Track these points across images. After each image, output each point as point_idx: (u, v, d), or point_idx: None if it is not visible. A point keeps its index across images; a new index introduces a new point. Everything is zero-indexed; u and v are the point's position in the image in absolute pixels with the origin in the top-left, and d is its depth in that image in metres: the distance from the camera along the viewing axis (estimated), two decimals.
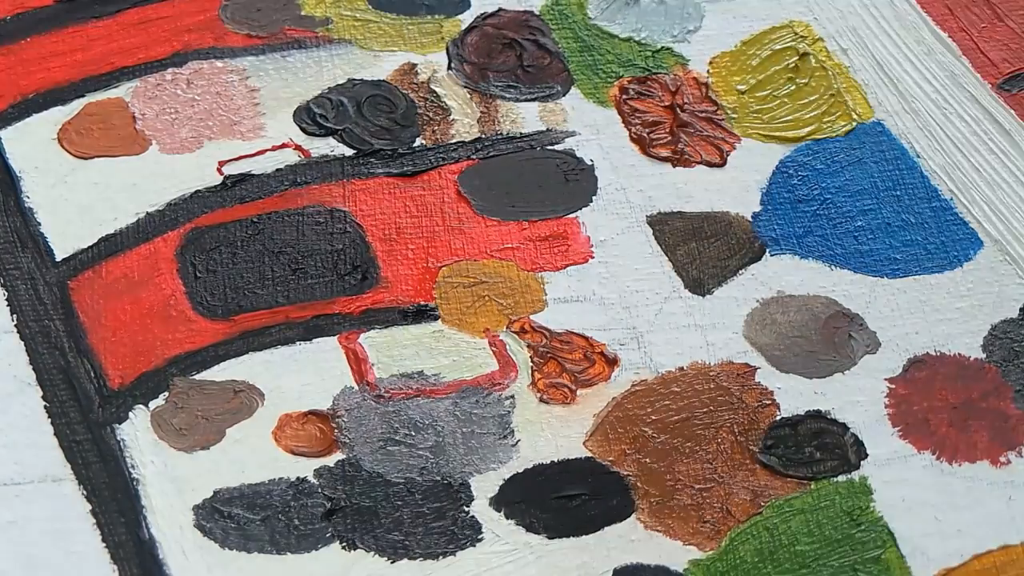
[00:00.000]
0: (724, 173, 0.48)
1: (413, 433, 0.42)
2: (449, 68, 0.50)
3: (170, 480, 0.40)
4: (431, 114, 0.49)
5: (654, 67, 0.51)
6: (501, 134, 0.49)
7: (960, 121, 0.49)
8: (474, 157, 0.48)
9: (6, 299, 0.44)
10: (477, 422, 0.42)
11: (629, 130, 0.49)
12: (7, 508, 0.40)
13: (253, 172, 0.47)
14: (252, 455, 0.41)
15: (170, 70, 0.49)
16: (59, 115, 0.48)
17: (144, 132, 0.48)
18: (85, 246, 0.45)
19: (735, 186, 0.48)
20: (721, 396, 0.43)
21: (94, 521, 0.40)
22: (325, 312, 0.44)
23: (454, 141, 0.48)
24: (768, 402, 0.43)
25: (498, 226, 0.47)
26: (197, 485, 0.40)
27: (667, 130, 0.49)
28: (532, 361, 0.43)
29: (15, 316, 0.43)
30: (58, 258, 0.45)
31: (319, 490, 0.41)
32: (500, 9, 0.52)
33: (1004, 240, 0.47)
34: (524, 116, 0.49)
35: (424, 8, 0.52)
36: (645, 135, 0.49)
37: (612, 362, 0.44)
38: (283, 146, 0.48)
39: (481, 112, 0.49)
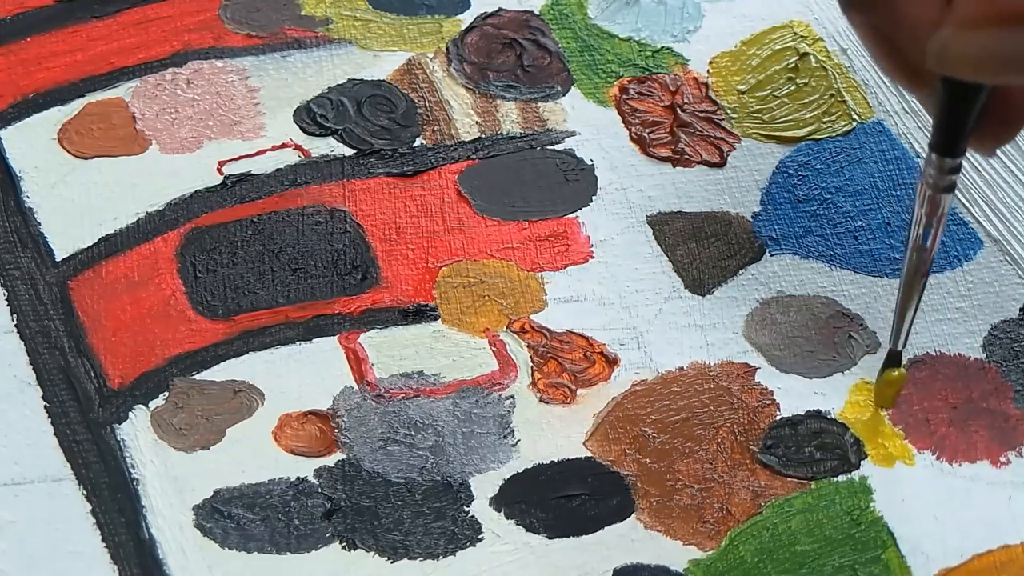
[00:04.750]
0: (724, 173, 0.48)
1: (413, 433, 0.42)
2: (449, 68, 0.50)
3: (170, 480, 0.40)
4: (431, 114, 0.49)
5: (654, 67, 0.51)
6: (501, 134, 0.49)
7: None
8: (474, 157, 0.48)
9: (6, 299, 0.44)
10: (477, 422, 0.42)
11: (629, 130, 0.49)
12: (7, 508, 0.40)
13: (253, 172, 0.47)
14: (252, 455, 0.41)
15: (170, 70, 0.49)
16: (59, 115, 0.48)
17: (144, 132, 0.48)
18: (85, 246, 0.45)
19: (735, 186, 0.48)
20: (721, 396, 0.43)
21: (94, 521, 0.40)
22: (325, 312, 0.44)
23: (454, 141, 0.48)
24: (768, 402, 0.43)
25: (498, 226, 0.47)
26: (197, 485, 0.40)
27: (667, 130, 0.49)
28: (532, 361, 0.43)
29: (15, 316, 0.43)
30: (58, 258, 0.45)
31: (319, 490, 0.41)
32: (500, 9, 0.52)
33: (1004, 240, 0.47)
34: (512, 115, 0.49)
35: (424, 8, 0.52)
36: (645, 135, 0.49)
37: (612, 362, 0.44)
38: (283, 146, 0.48)
39: (481, 112, 0.49)
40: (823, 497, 0.41)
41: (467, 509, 0.41)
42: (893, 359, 0.41)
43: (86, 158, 0.47)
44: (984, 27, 0.31)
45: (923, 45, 0.33)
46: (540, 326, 0.44)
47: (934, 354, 0.44)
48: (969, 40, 0.31)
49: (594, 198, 0.47)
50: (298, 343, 0.44)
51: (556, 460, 0.42)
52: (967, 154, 0.36)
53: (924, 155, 0.48)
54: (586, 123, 0.49)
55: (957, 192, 0.48)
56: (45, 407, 0.42)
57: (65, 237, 0.45)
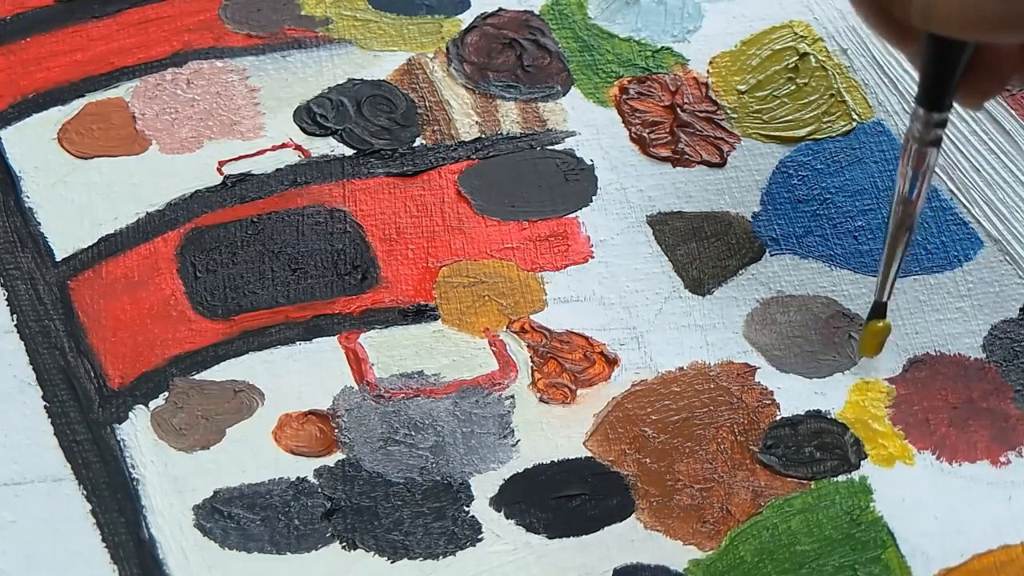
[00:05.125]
0: (724, 173, 0.48)
1: (413, 433, 0.42)
2: (449, 68, 0.50)
3: (170, 480, 0.40)
4: (431, 114, 0.49)
5: (654, 67, 0.51)
6: (501, 134, 0.49)
7: (960, 121, 0.49)
8: (474, 157, 0.48)
9: (6, 299, 0.44)
10: (477, 422, 0.42)
11: (629, 130, 0.49)
12: (7, 508, 0.40)
13: (253, 172, 0.47)
14: (252, 455, 0.41)
15: (170, 70, 0.49)
16: (59, 115, 0.48)
17: (144, 132, 0.48)
18: (85, 246, 0.45)
19: (735, 186, 0.48)
20: (721, 396, 0.43)
21: (94, 521, 0.40)
22: (325, 312, 0.44)
23: (454, 141, 0.48)
24: (768, 402, 0.43)
25: (498, 226, 0.47)
26: (197, 485, 0.40)
27: (667, 130, 0.49)
28: (532, 361, 0.43)
29: (15, 316, 0.43)
30: (58, 258, 0.45)
31: (319, 490, 0.41)
32: (500, 9, 0.52)
33: (1004, 240, 0.47)
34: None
35: (424, 8, 0.52)
36: (645, 135, 0.49)
37: (612, 362, 0.44)
38: (283, 146, 0.48)
39: (481, 112, 0.49)
40: (823, 497, 0.41)
41: (467, 509, 0.41)
42: (878, 310, 0.43)
43: (86, 158, 0.47)
44: None
45: (909, 3, 0.34)
46: (540, 326, 0.44)
47: (934, 354, 0.44)
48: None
49: (594, 198, 0.47)
50: (298, 343, 0.44)
51: (556, 460, 0.42)
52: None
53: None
54: (586, 123, 0.49)
55: (957, 192, 0.48)
56: (45, 407, 0.42)
57: (65, 237, 0.45)
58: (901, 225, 0.40)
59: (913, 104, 0.38)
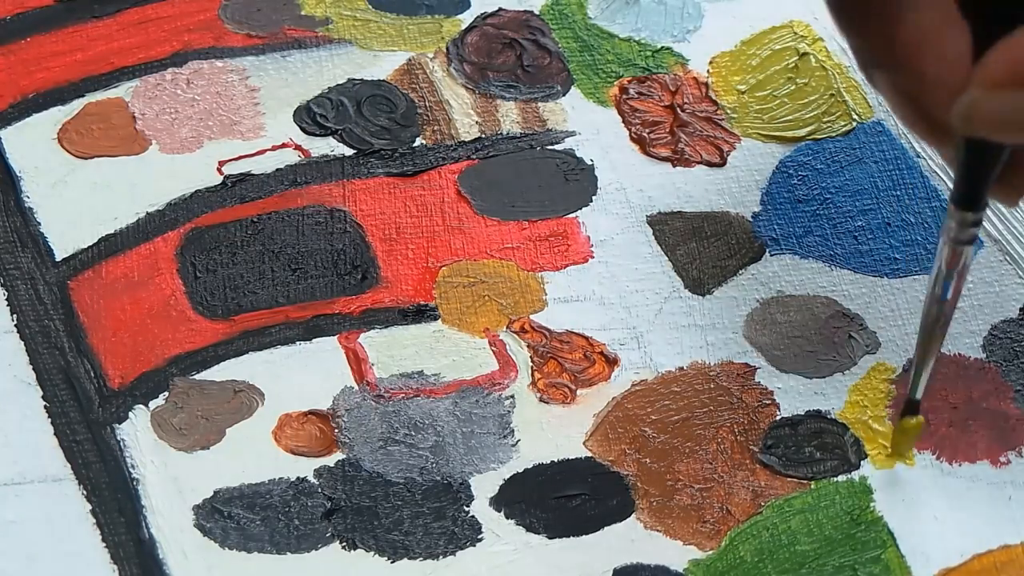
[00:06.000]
0: (724, 173, 0.48)
1: (413, 433, 0.42)
2: (449, 68, 0.50)
3: (170, 480, 0.40)
4: (431, 114, 0.49)
5: (654, 67, 0.51)
6: (501, 134, 0.49)
7: None
8: (474, 157, 0.48)
9: (6, 299, 0.44)
10: (477, 422, 0.42)
11: (629, 130, 0.49)
12: (7, 508, 0.40)
13: (253, 172, 0.47)
14: (252, 455, 0.41)
15: (170, 70, 0.49)
16: (59, 115, 0.48)
17: (144, 132, 0.48)
18: (85, 246, 0.45)
19: (735, 186, 0.48)
20: (721, 396, 0.43)
21: (94, 521, 0.40)
22: (325, 312, 0.44)
23: (454, 141, 0.48)
24: (768, 402, 0.43)
25: (498, 226, 0.47)
26: (197, 485, 0.40)
27: (667, 130, 0.49)
28: (532, 361, 0.43)
29: (15, 316, 0.43)
30: (58, 258, 0.45)
31: (319, 490, 0.41)
32: (500, 9, 0.52)
33: (1004, 240, 0.47)
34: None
35: (424, 8, 0.52)
36: (645, 135, 0.49)
37: (612, 362, 0.44)
38: (283, 146, 0.48)
39: (481, 112, 0.49)
40: (823, 497, 0.41)
41: (467, 509, 0.41)
42: (910, 407, 0.41)
43: (86, 158, 0.47)
44: (1012, 88, 0.31)
45: (947, 105, 0.33)
46: (540, 326, 0.44)
47: None
48: (997, 102, 0.31)
49: (594, 198, 0.47)
50: (298, 343, 0.44)
51: (556, 460, 0.42)
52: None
53: (923, 155, 0.48)
54: (586, 123, 0.49)
55: None
56: (45, 407, 0.42)
57: (65, 237, 0.45)
58: (935, 323, 0.38)
59: (948, 204, 0.36)
